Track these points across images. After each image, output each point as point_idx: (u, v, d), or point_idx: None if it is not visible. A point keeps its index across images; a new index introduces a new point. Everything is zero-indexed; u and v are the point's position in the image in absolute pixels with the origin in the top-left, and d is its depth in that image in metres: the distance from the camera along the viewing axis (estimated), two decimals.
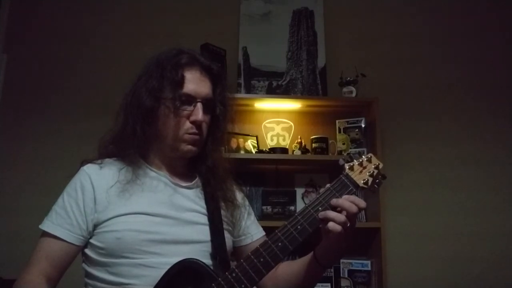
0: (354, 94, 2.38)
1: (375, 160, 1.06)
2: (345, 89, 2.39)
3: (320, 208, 0.99)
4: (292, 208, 2.27)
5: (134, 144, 1.09)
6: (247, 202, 1.26)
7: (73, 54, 2.53)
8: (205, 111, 1.10)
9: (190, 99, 1.09)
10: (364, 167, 1.05)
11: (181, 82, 1.08)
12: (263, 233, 1.25)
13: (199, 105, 1.09)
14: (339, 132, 2.39)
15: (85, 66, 2.51)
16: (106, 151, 1.14)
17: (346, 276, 2.22)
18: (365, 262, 2.23)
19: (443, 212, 2.43)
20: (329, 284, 2.18)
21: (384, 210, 2.20)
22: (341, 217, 0.96)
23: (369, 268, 2.22)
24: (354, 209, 0.97)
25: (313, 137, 2.37)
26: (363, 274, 2.22)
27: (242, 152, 2.30)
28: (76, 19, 2.58)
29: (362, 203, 0.99)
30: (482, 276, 2.36)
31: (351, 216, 0.97)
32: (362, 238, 2.29)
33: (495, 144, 2.53)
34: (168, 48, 1.16)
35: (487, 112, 2.57)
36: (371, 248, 2.29)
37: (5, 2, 2.55)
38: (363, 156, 1.07)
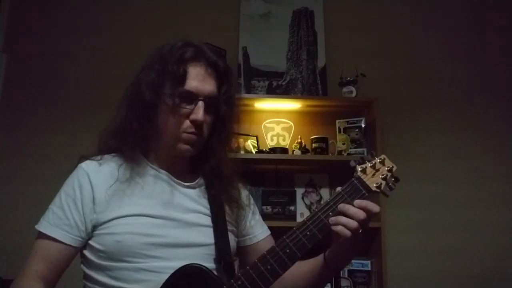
0: (354, 94, 2.38)
1: (388, 162, 1.00)
2: (345, 89, 2.39)
3: (330, 214, 0.94)
4: (292, 208, 2.27)
5: (133, 139, 1.04)
6: (252, 201, 1.22)
7: (73, 53, 2.53)
8: (207, 110, 1.03)
9: (192, 97, 1.02)
10: (377, 170, 0.98)
11: (182, 78, 1.01)
12: (268, 232, 1.21)
13: (200, 103, 1.02)
14: (339, 132, 2.39)
15: (85, 65, 2.51)
16: (106, 146, 1.09)
17: (346, 276, 2.21)
18: (365, 262, 2.23)
19: (444, 212, 2.42)
20: (329, 284, 2.18)
21: (384, 210, 2.20)
22: (353, 223, 0.92)
23: (369, 268, 2.22)
24: (362, 216, 0.92)
25: (313, 137, 2.37)
26: (363, 274, 2.22)
27: (242, 152, 2.30)
28: (75, 18, 2.58)
29: (376, 208, 0.94)
30: (483, 276, 2.35)
31: (363, 222, 0.93)
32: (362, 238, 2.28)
33: (496, 142, 2.53)
34: (175, 40, 1.09)
35: (488, 111, 2.57)
36: (371, 248, 2.29)
37: (5, 2, 2.55)
38: (376, 158, 1.00)
